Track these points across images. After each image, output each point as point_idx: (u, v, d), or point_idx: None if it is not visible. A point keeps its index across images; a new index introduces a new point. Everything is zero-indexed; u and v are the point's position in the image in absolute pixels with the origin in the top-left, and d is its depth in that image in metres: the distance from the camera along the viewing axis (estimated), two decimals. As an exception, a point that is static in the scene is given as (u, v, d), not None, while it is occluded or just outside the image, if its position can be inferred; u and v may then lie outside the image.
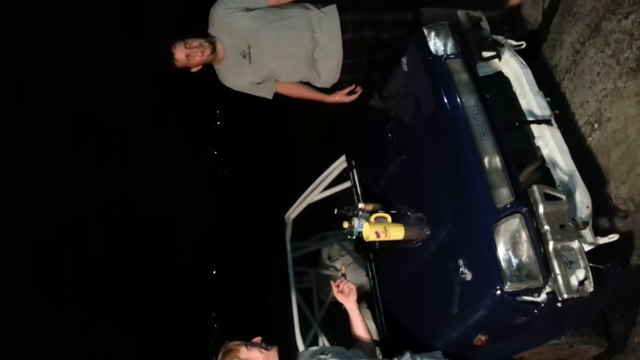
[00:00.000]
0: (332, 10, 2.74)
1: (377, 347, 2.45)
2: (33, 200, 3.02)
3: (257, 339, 1.97)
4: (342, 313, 3.87)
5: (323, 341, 3.34)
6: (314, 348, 2.10)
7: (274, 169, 4.10)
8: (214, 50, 2.71)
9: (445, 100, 2.14)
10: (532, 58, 2.61)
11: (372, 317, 2.85)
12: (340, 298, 2.16)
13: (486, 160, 1.96)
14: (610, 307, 2.13)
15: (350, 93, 2.95)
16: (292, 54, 2.78)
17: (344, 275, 2.21)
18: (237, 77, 2.88)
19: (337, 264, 3.97)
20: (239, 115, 3.75)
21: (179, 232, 3.71)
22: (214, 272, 4.18)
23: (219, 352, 1.94)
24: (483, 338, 1.97)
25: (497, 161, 1.95)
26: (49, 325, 2.96)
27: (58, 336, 2.96)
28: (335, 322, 3.70)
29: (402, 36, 2.59)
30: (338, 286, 2.13)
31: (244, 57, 2.78)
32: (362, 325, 2.14)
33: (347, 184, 3.22)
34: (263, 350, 1.91)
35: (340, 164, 3.35)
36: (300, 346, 3.10)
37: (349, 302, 2.15)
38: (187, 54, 2.63)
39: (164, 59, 2.61)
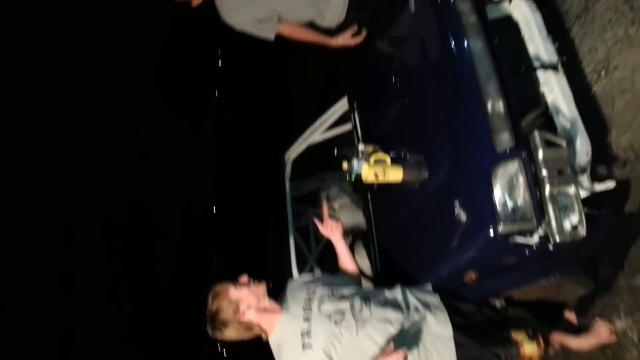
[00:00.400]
0: None
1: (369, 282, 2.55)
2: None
3: (244, 278, 1.97)
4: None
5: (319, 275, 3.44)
6: (305, 277, 2.15)
7: (275, 110, 4.08)
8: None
9: (452, 43, 2.11)
10: (544, 2, 2.54)
11: (367, 255, 2.94)
12: (324, 232, 2.24)
13: (489, 104, 1.96)
14: (601, 251, 2.18)
15: (354, 35, 2.88)
16: None
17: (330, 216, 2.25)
18: (238, 12, 2.79)
19: (335, 204, 4.05)
20: (241, 55, 3.68)
21: (180, 172, 3.75)
22: (214, 211, 4.24)
23: (208, 295, 1.93)
24: (473, 276, 2.03)
25: (500, 105, 1.95)
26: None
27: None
28: (330, 260, 3.82)
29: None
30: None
31: None
32: (348, 258, 2.24)
33: (348, 126, 3.22)
34: (252, 288, 1.93)
35: (342, 105, 3.34)
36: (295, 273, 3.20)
37: (334, 236, 2.25)
38: None
39: None
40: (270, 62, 3.69)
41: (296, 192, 3.87)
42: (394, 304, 1.95)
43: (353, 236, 3.69)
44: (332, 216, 3.77)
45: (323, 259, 3.69)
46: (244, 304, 1.88)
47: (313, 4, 2.80)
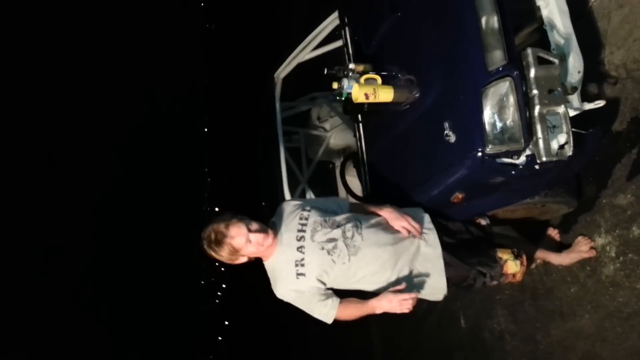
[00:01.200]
0: None
1: None
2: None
3: (255, 226, 1.93)
4: (328, 171, 4.00)
5: (310, 196, 3.48)
6: (297, 201, 2.16)
7: (264, 25, 3.93)
8: None
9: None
10: None
11: (357, 175, 2.97)
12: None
13: (483, 20, 1.89)
14: (586, 169, 2.21)
15: None
16: None
17: None
18: None
19: (326, 125, 4.02)
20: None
21: (169, 91, 3.67)
22: (205, 129, 4.22)
23: (204, 241, 1.92)
24: (460, 195, 2.06)
25: (495, 21, 1.88)
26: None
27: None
28: (321, 180, 3.86)
29: None
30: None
31: None
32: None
33: (339, 43, 3.11)
34: (259, 240, 1.92)
35: (332, 20, 3.21)
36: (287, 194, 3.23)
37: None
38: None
39: None
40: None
41: (287, 112, 3.82)
42: (385, 227, 2.00)
43: (344, 156, 3.72)
44: (324, 137, 3.79)
45: (314, 179, 3.73)
46: (245, 251, 1.92)
47: None
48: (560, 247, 2.40)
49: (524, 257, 2.05)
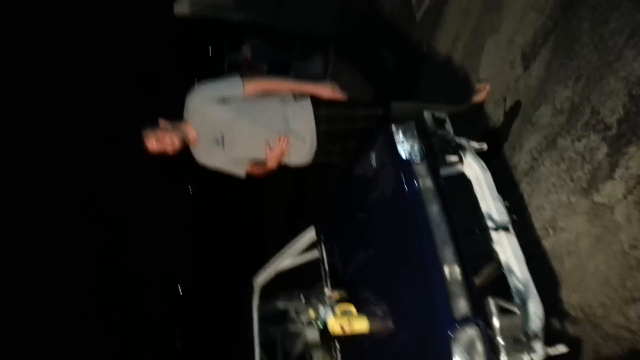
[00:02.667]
0: (307, 104, 2.82)
1: None
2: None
3: None
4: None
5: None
6: None
7: (245, 236, 4.17)
8: (185, 142, 2.77)
9: (410, 206, 2.26)
10: (493, 156, 2.76)
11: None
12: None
13: (446, 270, 2.07)
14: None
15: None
16: (264, 145, 2.84)
17: None
18: (209, 158, 2.93)
19: (303, 318, 4.04)
20: (213, 185, 3.81)
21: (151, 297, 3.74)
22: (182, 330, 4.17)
23: None
24: None
25: (457, 271, 2.06)
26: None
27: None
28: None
29: (372, 131, 2.70)
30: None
31: (217, 143, 2.83)
32: None
33: (316, 254, 3.31)
34: None
35: (308, 234, 3.44)
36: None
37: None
38: (158, 147, 2.68)
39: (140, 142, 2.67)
40: (243, 189, 3.83)
41: (265, 311, 3.86)
42: None
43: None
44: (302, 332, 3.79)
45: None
46: None
47: None
48: None
49: None
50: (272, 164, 2.74)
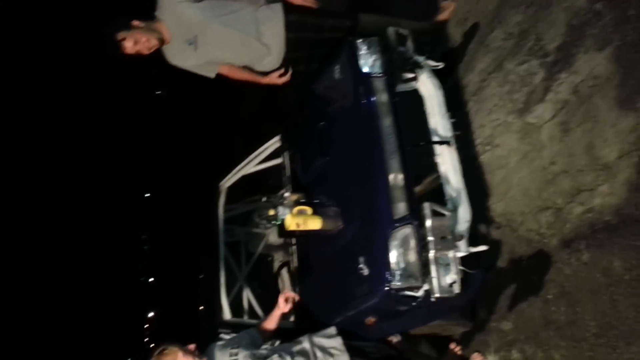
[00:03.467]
0: (278, 8, 2.91)
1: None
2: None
3: (192, 347, 2.19)
4: (267, 263, 4.22)
5: (248, 294, 3.75)
6: (223, 342, 2.39)
7: (212, 141, 4.33)
8: (161, 43, 2.84)
9: (365, 118, 2.47)
10: (448, 74, 2.96)
11: (290, 283, 3.30)
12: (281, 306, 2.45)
13: (391, 177, 2.34)
14: (479, 296, 2.63)
15: (281, 75, 3.15)
16: (236, 47, 2.96)
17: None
18: (182, 59, 3.03)
19: (265, 222, 4.36)
20: (184, 89, 3.87)
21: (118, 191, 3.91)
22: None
23: (154, 352, 2.13)
24: (372, 319, 2.42)
25: (400, 179, 2.33)
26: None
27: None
28: (258, 275, 4.14)
29: (337, 42, 2.83)
30: (286, 299, 2.42)
31: (190, 44, 2.92)
32: (276, 320, 2.48)
33: (278, 161, 3.55)
34: (197, 358, 2.15)
35: (275, 142, 3.65)
36: (225, 306, 3.48)
37: (285, 309, 2.47)
38: (134, 48, 2.75)
39: (113, 45, 2.73)
40: (211, 98, 3.93)
41: (229, 213, 4.15)
42: (303, 355, 2.30)
43: (280, 263, 4.05)
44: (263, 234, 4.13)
45: (252, 275, 4.02)
46: None
47: (251, 57, 3.07)
48: (462, 358, 2.77)
49: None
50: None
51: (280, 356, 2.26)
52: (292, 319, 2.92)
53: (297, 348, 2.34)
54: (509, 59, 2.56)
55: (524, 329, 2.39)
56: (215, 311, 3.50)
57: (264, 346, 2.34)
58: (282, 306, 2.44)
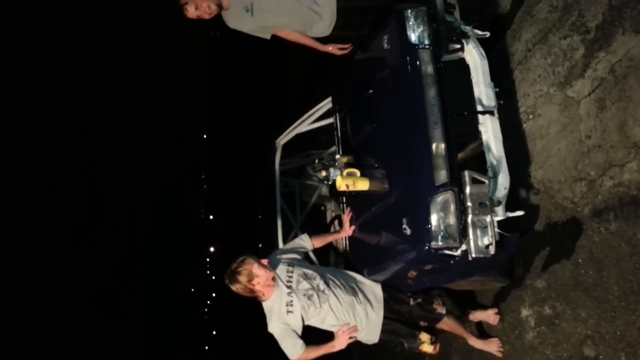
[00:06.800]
0: None
1: None
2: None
3: (265, 261, 2.76)
4: (320, 213, 4.55)
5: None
6: (281, 255, 2.93)
7: (269, 102, 4.57)
8: (220, 8, 3.07)
9: (411, 88, 2.63)
10: (495, 42, 3.02)
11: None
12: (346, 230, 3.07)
13: (434, 146, 2.52)
14: (517, 255, 2.83)
15: (341, 49, 3.34)
16: (289, 14, 3.14)
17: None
18: (239, 24, 3.26)
19: (318, 175, 4.65)
20: (242, 52, 4.09)
21: (170, 97, 4.21)
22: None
23: (237, 260, 2.70)
24: (414, 273, 2.69)
25: (442, 148, 2.51)
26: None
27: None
28: (311, 225, 4.47)
29: (387, 9, 2.95)
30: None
31: (247, 10, 3.15)
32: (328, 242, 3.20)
33: (330, 120, 3.76)
34: (268, 271, 2.70)
35: (327, 102, 3.85)
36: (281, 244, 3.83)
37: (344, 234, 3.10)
38: (196, 12, 3.00)
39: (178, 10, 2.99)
40: (266, 61, 4.14)
41: (285, 166, 4.45)
42: (347, 288, 2.66)
43: (332, 217, 4.35)
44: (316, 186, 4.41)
45: (305, 224, 4.35)
46: (257, 279, 2.68)
47: (304, 24, 3.25)
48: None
49: (437, 345, 2.73)
50: None
51: (326, 283, 2.68)
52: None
53: (343, 282, 2.78)
54: (553, 31, 2.61)
55: (556, 288, 2.58)
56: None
57: (316, 269, 2.83)
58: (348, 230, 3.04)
